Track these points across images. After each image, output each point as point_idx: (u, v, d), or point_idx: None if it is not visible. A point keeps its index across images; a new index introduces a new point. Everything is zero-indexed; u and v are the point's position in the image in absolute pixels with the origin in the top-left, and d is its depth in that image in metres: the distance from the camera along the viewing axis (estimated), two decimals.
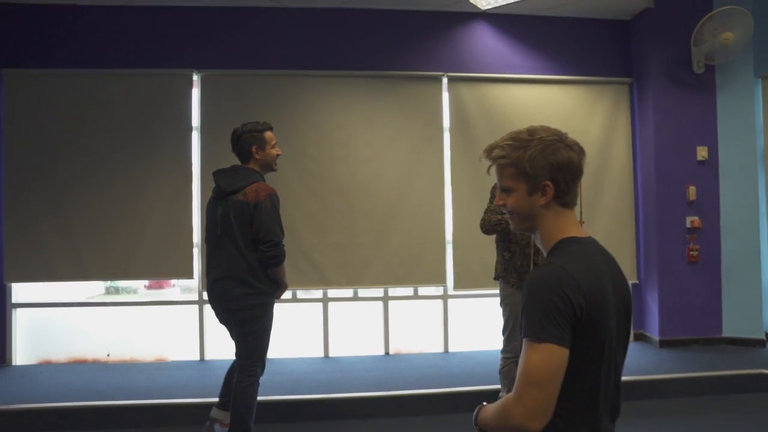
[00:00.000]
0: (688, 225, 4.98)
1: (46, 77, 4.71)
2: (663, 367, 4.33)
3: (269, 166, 3.03)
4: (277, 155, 3.05)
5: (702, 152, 5.04)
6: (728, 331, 5.00)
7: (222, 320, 3.04)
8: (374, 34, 5.04)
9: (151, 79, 4.77)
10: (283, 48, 4.94)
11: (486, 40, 5.17)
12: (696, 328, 4.97)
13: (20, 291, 4.82)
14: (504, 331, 3.39)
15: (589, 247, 1.30)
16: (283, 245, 2.91)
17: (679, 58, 5.06)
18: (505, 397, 1.21)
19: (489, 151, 1.32)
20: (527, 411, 1.14)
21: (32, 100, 4.69)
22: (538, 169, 1.28)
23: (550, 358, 1.15)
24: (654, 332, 5.05)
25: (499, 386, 3.43)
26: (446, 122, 5.09)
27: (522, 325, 1.20)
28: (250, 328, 2.92)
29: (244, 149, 2.98)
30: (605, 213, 5.21)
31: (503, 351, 3.39)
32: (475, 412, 1.32)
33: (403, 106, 5.02)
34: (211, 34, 4.87)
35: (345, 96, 4.98)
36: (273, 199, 2.90)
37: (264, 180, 2.99)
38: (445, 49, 5.11)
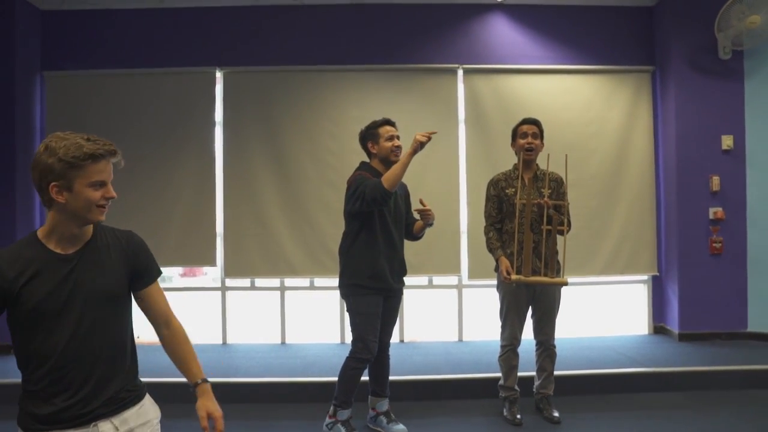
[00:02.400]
0: (711, 216, 4.86)
1: (83, 78, 5.05)
2: (679, 360, 4.26)
3: (387, 159, 3.11)
4: (394, 147, 3.10)
5: (727, 141, 4.89)
6: (754, 325, 4.86)
7: None
8: (389, 28, 5.13)
9: (176, 77, 5.04)
10: (301, 44, 5.11)
11: (502, 31, 5.17)
12: (718, 322, 4.85)
13: None
14: (500, 317, 3.46)
15: None
16: (367, 184, 2.90)
17: (703, 44, 4.91)
18: None
19: (117, 151, 1.52)
20: None
21: (71, 99, 5.04)
22: None
23: None
24: (674, 325, 4.96)
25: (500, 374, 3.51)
26: (461, 114, 5.14)
27: None
28: (347, 308, 3.17)
29: (364, 147, 3.21)
30: (625, 203, 5.14)
31: (500, 339, 3.46)
32: None
33: (418, 98, 5.09)
34: (233, 33, 5.08)
35: (361, 90, 5.10)
36: (356, 175, 3.04)
37: (372, 172, 3.08)
38: (460, 41, 5.14)
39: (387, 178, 2.89)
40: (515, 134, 3.42)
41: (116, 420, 1.53)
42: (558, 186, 3.38)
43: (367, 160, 3.23)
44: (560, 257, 3.31)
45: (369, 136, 3.17)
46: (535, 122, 3.38)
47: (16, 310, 1.44)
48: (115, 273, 1.55)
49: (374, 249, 3.04)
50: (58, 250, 1.48)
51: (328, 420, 3.15)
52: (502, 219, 3.38)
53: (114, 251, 1.56)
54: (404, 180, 3.40)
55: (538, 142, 3.34)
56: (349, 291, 3.13)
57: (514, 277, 3.18)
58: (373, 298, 3.06)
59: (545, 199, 3.21)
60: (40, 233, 1.50)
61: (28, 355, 1.48)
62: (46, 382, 1.47)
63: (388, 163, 3.13)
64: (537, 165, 3.40)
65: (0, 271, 1.42)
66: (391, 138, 3.12)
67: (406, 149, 3.01)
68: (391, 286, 3.12)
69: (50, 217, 1.48)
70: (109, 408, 1.53)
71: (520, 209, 3.22)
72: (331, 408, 3.15)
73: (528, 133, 3.33)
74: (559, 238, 3.26)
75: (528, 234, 3.19)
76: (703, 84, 4.91)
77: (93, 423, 1.50)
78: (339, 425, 3.12)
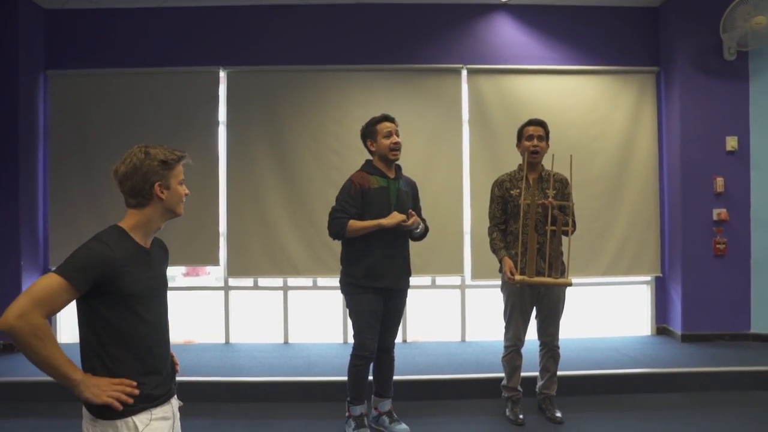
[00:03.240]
0: (715, 217, 4.85)
1: (86, 77, 5.05)
2: (682, 361, 4.26)
3: (385, 156, 3.12)
4: (392, 144, 3.08)
5: (731, 142, 4.88)
6: (757, 327, 4.85)
7: None
8: (394, 28, 5.13)
9: (180, 77, 5.04)
10: (306, 44, 5.11)
11: (506, 31, 5.16)
12: (721, 323, 4.85)
13: None
14: (504, 317, 3.46)
15: None
16: (337, 218, 3.04)
17: (708, 45, 4.90)
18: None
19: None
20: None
21: (74, 98, 5.04)
22: None
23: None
24: (677, 326, 4.95)
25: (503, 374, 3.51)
26: (465, 114, 5.14)
27: None
28: (346, 306, 3.22)
29: (364, 144, 3.21)
30: (628, 204, 5.13)
31: (504, 339, 3.46)
32: None
33: (422, 98, 5.09)
34: (237, 33, 5.08)
35: (365, 89, 5.09)
36: (346, 182, 3.12)
37: (372, 170, 3.13)
38: (464, 42, 5.14)
39: (352, 228, 2.99)
40: (521, 135, 3.41)
41: (175, 396, 1.79)
42: (563, 187, 3.38)
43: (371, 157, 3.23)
44: (565, 258, 3.31)
45: (368, 133, 3.16)
46: (540, 123, 3.37)
47: (114, 296, 1.58)
48: (165, 269, 1.82)
49: (371, 248, 3.05)
50: (141, 244, 1.68)
51: (346, 416, 3.22)
52: (507, 220, 3.38)
53: (161, 250, 1.80)
54: (410, 175, 3.42)
55: (543, 144, 3.34)
56: (345, 290, 3.16)
57: (518, 277, 3.17)
58: (368, 296, 3.06)
59: (549, 199, 3.20)
60: (125, 227, 1.67)
61: (122, 341, 1.61)
62: (139, 365, 1.64)
63: (387, 160, 3.13)
64: (542, 165, 3.39)
65: (114, 254, 1.57)
66: (389, 135, 3.10)
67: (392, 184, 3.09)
68: (390, 286, 3.11)
69: (142, 215, 1.67)
70: (174, 386, 1.79)
71: (524, 210, 3.21)
72: (346, 404, 3.21)
73: (534, 136, 3.32)
74: (564, 239, 3.25)
75: (532, 235, 3.19)
76: (707, 85, 4.90)
77: (169, 400, 1.73)
78: (351, 420, 3.17)
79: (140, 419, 1.61)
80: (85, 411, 1.62)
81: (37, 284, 1.51)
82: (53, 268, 4.94)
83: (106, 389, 1.56)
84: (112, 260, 1.55)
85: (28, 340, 1.47)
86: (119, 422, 1.58)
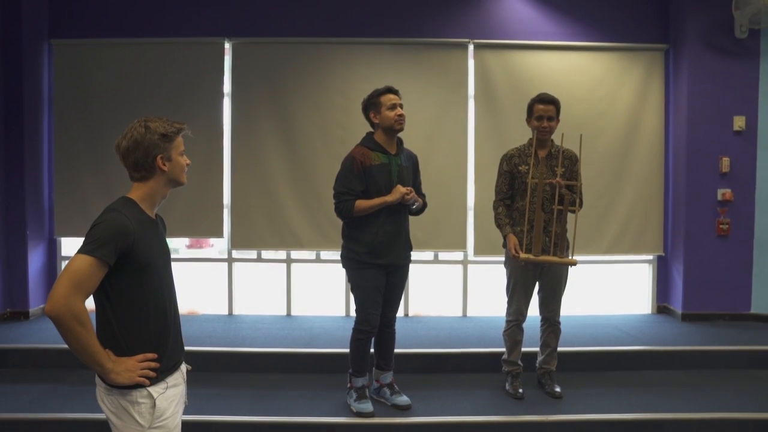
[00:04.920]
0: (719, 198, 4.83)
1: (90, 46, 4.99)
2: (681, 340, 4.29)
3: (391, 128, 3.06)
4: (397, 116, 3.02)
5: (739, 122, 4.83)
6: (757, 307, 4.87)
7: None
8: (401, 1, 5.05)
9: (185, 47, 4.98)
10: (312, 16, 5.04)
11: (514, 6, 5.08)
12: (722, 303, 4.87)
13: (70, 245, 5.24)
14: (506, 292, 3.48)
15: None
16: (344, 200, 3.03)
17: (719, 22, 4.82)
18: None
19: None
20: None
21: (78, 68, 5.00)
22: None
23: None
24: (677, 305, 4.98)
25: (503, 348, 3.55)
26: (471, 90, 5.09)
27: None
28: (348, 280, 3.18)
29: (366, 117, 3.15)
30: (633, 183, 5.10)
31: (506, 314, 3.49)
32: None
33: (428, 73, 5.04)
34: (242, 4, 5.01)
35: (371, 63, 5.04)
36: (347, 159, 3.08)
37: (372, 145, 3.09)
38: (471, 16, 5.06)
39: (359, 208, 2.99)
40: (531, 111, 3.34)
41: (183, 362, 1.86)
42: (572, 164, 3.35)
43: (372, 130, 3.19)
44: (570, 237, 3.30)
45: (371, 105, 3.10)
46: (552, 101, 3.29)
47: (130, 267, 1.61)
48: (166, 239, 1.85)
49: (373, 224, 3.04)
50: (149, 214, 1.73)
51: (347, 387, 3.25)
52: (513, 195, 3.36)
53: (160, 221, 1.83)
54: (414, 150, 3.40)
55: (554, 123, 3.29)
56: (347, 264, 3.17)
57: (522, 255, 3.17)
58: (370, 272, 3.07)
59: (558, 178, 3.18)
60: (134, 198, 1.71)
61: (139, 313, 1.65)
62: (156, 335, 1.69)
63: (391, 132, 3.08)
64: (552, 141, 3.36)
65: (130, 223, 1.61)
66: (393, 107, 3.04)
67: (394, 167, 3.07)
68: (392, 262, 3.11)
69: (147, 187, 1.71)
70: (183, 353, 1.85)
71: (532, 188, 3.19)
72: (348, 376, 3.24)
73: (544, 116, 3.26)
74: (570, 218, 3.24)
75: (539, 213, 3.18)
76: (717, 63, 4.83)
77: (179, 367, 1.80)
78: (352, 391, 3.21)
79: (155, 389, 1.65)
80: (98, 380, 1.65)
81: (72, 268, 1.52)
82: (57, 237, 5.03)
83: (134, 370, 1.60)
84: (130, 229, 1.59)
85: (72, 326, 1.50)
86: (135, 392, 1.62)
